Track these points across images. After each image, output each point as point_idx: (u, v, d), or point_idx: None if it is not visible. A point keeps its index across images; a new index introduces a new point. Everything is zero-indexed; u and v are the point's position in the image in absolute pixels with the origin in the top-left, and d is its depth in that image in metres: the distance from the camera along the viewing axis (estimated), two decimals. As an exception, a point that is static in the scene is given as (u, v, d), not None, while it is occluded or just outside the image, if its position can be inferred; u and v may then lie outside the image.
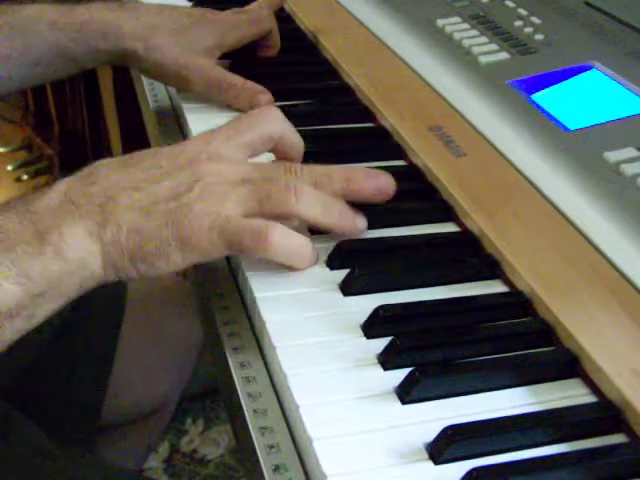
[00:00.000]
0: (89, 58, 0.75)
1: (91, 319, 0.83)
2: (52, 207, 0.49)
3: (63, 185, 0.51)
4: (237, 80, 0.73)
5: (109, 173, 0.52)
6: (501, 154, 0.64)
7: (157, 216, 0.50)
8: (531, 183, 0.60)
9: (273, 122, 0.57)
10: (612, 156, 0.60)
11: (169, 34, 0.74)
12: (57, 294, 0.49)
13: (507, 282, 0.55)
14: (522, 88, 0.70)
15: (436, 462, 0.42)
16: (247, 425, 0.46)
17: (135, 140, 0.82)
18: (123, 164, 0.53)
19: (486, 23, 0.81)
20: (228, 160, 0.54)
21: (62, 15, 0.74)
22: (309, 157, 0.63)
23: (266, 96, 0.73)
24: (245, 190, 0.52)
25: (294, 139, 0.59)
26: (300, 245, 0.53)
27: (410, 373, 0.46)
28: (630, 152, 0.60)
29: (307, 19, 0.91)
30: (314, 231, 0.58)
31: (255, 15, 0.80)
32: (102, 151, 1.83)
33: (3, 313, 0.46)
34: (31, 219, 0.48)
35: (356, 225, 0.57)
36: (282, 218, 0.52)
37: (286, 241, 0.52)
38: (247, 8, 0.82)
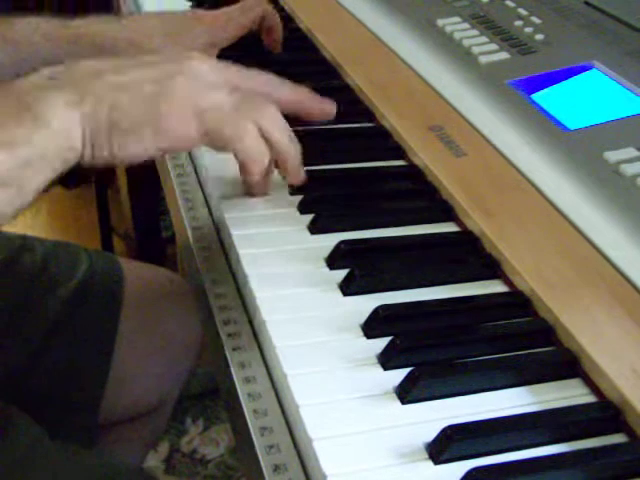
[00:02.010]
0: None
1: (88, 317, 0.83)
2: (35, 82, 0.51)
3: (46, 70, 0.53)
4: None
5: (94, 62, 0.54)
6: (501, 154, 0.64)
7: (137, 96, 0.52)
8: (531, 183, 0.60)
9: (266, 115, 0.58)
10: (612, 156, 0.60)
11: (163, 39, 0.74)
12: (43, 164, 0.50)
13: (507, 282, 0.55)
14: (522, 88, 0.70)
15: (436, 462, 0.42)
16: (247, 425, 0.46)
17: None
18: (108, 59, 0.55)
19: (486, 23, 0.81)
20: (212, 65, 0.57)
21: (57, 28, 0.74)
22: (309, 157, 0.63)
23: None
24: (227, 92, 0.55)
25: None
26: (263, 153, 0.56)
27: (410, 373, 0.46)
28: (630, 152, 0.60)
29: (307, 19, 0.90)
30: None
31: (245, 4, 0.81)
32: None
33: None
34: (15, 93, 0.50)
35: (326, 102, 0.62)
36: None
37: (259, 148, 0.55)
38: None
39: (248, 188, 0.61)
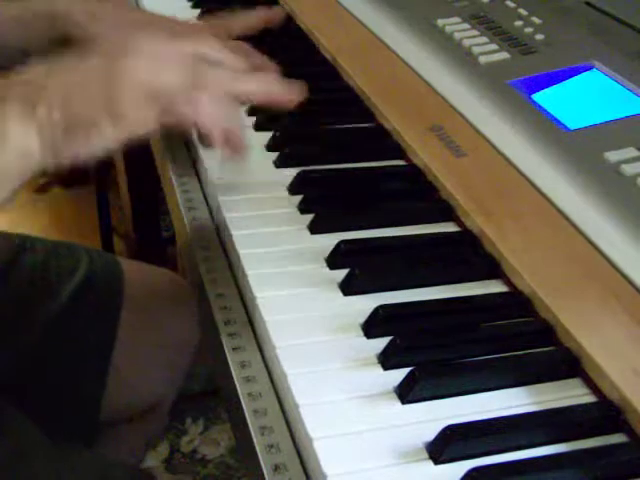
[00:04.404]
0: (40, 46, 0.73)
1: (88, 316, 0.83)
2: None
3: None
4: None
5: (41, 67, 0.53)
6: (501, 154, 0.64)
7: (87, 90, 0.51)
8: (531, 183, 0.60)
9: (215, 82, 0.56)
10: (612, 156, 0.60)
11: (110, 26, 0.72)
12: (4, 178, 0.50)
13: (507, 282, 0.55)
14: (522, 88, 0.70)
15: (436, 462, 0.42)
16: (247, 425, 0.46)
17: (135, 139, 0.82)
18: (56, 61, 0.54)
19: (486, 23, 0.81)
20: (166, 41, 0.56)
21: (15, 7, 0.73)
22: (309, 157, 0.63)
23: None
24: (176, 66, 0.54)
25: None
26: (220, 117, 0.54)
27: (410, 373, 0.46)
28: (630, 152, 0.60)
29: (307, 19, 0.90)
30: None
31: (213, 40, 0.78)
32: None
33: None
34: None
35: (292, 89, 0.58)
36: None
37: (216, 108, 0.54)
38: (226, 29, 0.79)
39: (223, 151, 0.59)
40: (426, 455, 0.43)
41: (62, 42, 0.73)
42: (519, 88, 0.70)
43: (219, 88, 0.55)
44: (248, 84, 0.58)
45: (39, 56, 0.75)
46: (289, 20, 0.94)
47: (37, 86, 0.51)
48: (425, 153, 0.65)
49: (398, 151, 0.68)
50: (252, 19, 0.80)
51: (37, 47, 0.74)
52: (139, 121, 0.52)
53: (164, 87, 0.52)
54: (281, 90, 0.59)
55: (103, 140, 0.52)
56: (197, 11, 0.97)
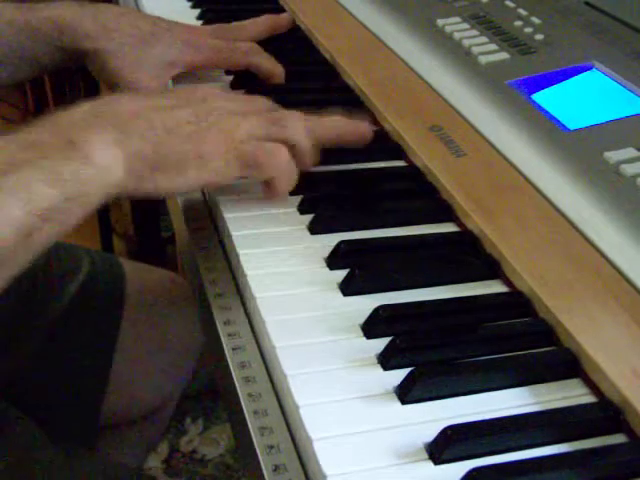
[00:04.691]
0: (48, 57, 0.74)
1: (89, 317, 0.83)
2: (77, 121, 0.53)
3: (87, 105, 0.55)
4: None
5: (132, 98, 0.57)
6: (501, 154, 0.64)
7: (178, 134, 0.55)
8: (531, 183, 0.60)
9: (292, 130, 0.60)
10: (612, 156, 0.60)
11: (123, 41, 0.72)
12: (86, 200, 0.51)
13: (507, 282, 0.55)
14: (522, 88, 0.70)
15: (436, 462, 0.42)
16: (247, 425, 0.46)
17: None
18: (144, 95, 0.59)
19: (486, 23, 0.81)
20: (236, 98, 0.62)
21: (22, 13, 0.73)
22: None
23: None
24: (255, 118, 0.59)
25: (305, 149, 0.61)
26: (294, 171, 0.59)
27: (410, 373, 0.46)
28: (630, 152, 0.60)
29: (307, 18, 0.90)
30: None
31: (230, 46, 0.77)
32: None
33: (40, 215, 0.48)
34: (60, 131, 0.52)
35: (360, 125, 0.64)
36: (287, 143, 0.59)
37: (291, 164, 0.58)
38: (234, 35, 0.80)
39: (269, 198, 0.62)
40: (426, 455, 0.43)
41: (72, 54, 0.73)
42: (519, 88, 0.70)
43: (297, 137, 0.59)
44: (323, 130, 0.62)
45: (49, 68, 0.76)
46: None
47: (130, 118, 0.54)
48: (425, 153, 0.65)
49: (398, 151, 0.68)
50: (259, 26, 0.80)
51: (46, 58, 0.74)
52: (223, 171, 0.56)
53: (245, 138, 0.57)
54: (352, 129, 0.64)
55: (186, 184, 0.56)
56: (197, 11, 0.97)
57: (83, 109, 0.54)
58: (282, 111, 0.62)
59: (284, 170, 0.58)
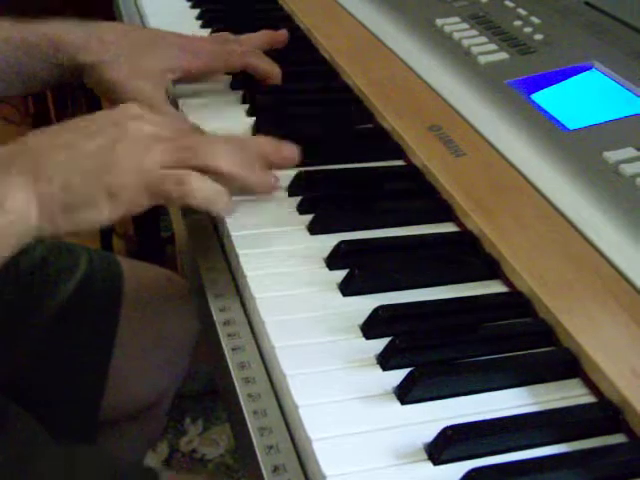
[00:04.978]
0: (46, 73, 0.74)
1: (88, 316, 0.83)
2: None
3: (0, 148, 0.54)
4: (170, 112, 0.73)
5: (42, 136, 0.56)
6: (501, 154, 0.64)
7: (85, 171, 0.53)
8: (531, 183, 0.60)
9: (204, 156, 0.57)
10: (611, 156, 0.60)
11: (119, 52, 0.72)
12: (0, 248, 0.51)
13: (507, 282, 0.55)
14: (522, 88, 0.70)
15: (435, 462, 0.42)
16: (246, 425, 0.46)
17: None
18: (56, 128, 0.57)
19: (485, 23, 0.81)
20: (151, 119, 0.58)
21: (19, 31, 0.73)
22: (309, 158, 0.63)
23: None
24: (165, 144, 0.56)
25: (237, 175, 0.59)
26: (218, 191, 0.56)
27: (409, 373, 0.46)
28: (629, 152, 0.60)
29: (306, 19, 0.90)
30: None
31: (227, 48, 0.77)
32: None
33: None
34: None
35: (273, 183, 0.60)
36: (199, 171, 0.56)
37: (206, 186, 0.55)
38: (231, 39, 0.80)
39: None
40: (425, 456, 0.43)
41: (70, 70, 0.73)
42: (518, 88, 0.70)
43: (212, 163, 0.56)
44: (247, 151, 0.60)
45: (51, 84, 0.76)
46: (289, 20, 0.94)
47: (39, 158, 0.53)
48: (424, 153, 0.65)
49: (397, 151, 0.68)
50: (256, 41, 0.80)
51: (44, 73, 0.74)
52: (134, 201, 0.54)
53: (153, 167, 0.55)
54: (275, 150, 0.61)
55: (101, 218, 0.54)
56: (196, 11, 0.97)
57: None
58: (198, 137, 0.60)
59: (200, 196, 0.55)
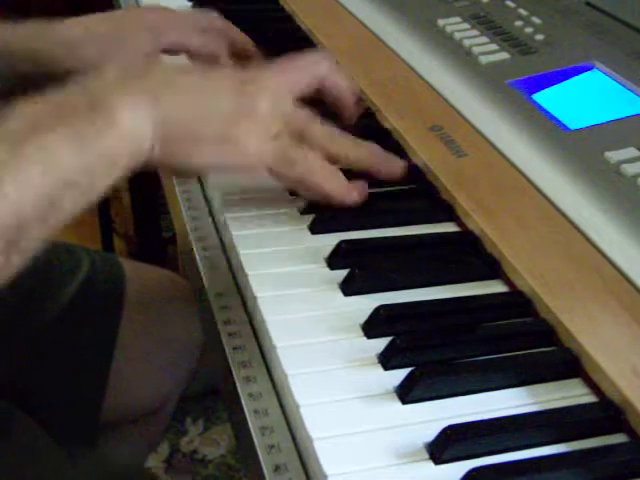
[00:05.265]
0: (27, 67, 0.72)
1: (89, 317, 0.83)
2: (107, 84, 0.51)
3: (122, 68, 0.53)
4: None
5: (168, 69, 0.55)
6: (502, 154, 0.64)
7: (219, 111, 0.52)
8: (532, 183, 0.60)
9: (317, 66, 0.61)
10: (613, 156, 0.60)
11: (103, 45, 0.71)
12: (109, 164, 0.49)
13: (507, 282, 0.55)
14: (522, 88, 0.70)
15: (436, 462, 0.42)
16: (247, 425, 0.46)
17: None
18: (184, 68, 0.56)
19: (486, 23, 0.81)
20: (278, 99, 0.56)
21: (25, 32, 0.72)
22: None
23: None
24: (300, 115, 0.57)
25: (338, 81, 0.61)
26: (332, 171, 0.57)
27: (410, 373, 0.46)
28: (631, 152, 0.60)
29: (307, 19, 0.90)
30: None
31: (207, 23, 0.77)
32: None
33: (61, 182, 0.46)
34: (88, 94, 0.49)
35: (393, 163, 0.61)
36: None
37: (327, 168, 0.57)
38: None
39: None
40: (426, 455, 0.43)
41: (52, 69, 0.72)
42: (519, 88, 0.70)
43: (337, 145, 0.58)
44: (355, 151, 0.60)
45: (58, 83, 0.75)
46: (290, 20, 0.94)
47: (166, 85, 0.52)
48: (425, 153, 0.65)
49: (398, 151, 0.68)
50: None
51: (26, 67, 0.73)
52: (257, 157, 0.54)
53: (283, 134, 0.55)
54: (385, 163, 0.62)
55: (215, 162, 0.53)
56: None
57: (115, 73, 0.52)
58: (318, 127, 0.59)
59: (323, 178, 0.56)
